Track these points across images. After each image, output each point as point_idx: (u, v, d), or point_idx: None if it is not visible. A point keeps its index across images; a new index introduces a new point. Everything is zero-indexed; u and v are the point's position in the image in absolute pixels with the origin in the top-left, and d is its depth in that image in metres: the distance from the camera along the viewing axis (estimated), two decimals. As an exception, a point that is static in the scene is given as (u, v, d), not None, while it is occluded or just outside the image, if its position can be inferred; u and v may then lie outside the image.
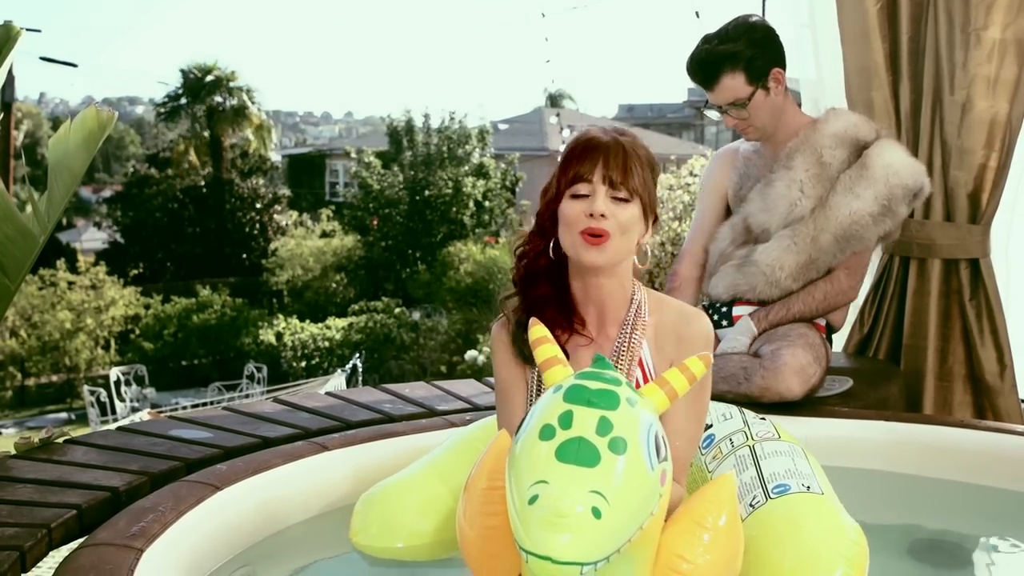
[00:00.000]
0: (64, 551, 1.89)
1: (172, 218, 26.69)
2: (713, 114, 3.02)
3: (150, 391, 18.83)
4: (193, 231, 26.76)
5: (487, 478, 1.58)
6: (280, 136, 43.81)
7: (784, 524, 1.84)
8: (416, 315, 20.37)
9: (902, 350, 3.30)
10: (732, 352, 2.78)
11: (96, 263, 23.06)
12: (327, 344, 19.96)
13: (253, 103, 28.68)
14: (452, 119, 24.41)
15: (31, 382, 21.63)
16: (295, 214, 27.81)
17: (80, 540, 1.91)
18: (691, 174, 8.77)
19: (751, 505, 1.91)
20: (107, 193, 33.91)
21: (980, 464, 2.47)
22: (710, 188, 3.16)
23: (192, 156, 27.80)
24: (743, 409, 2.32)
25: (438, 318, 20.00)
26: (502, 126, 29.43)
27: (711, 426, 2.23)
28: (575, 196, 1.85)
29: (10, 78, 13.74)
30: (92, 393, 17.27)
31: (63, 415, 19.57)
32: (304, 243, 24.70)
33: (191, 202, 26.92)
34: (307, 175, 32.73)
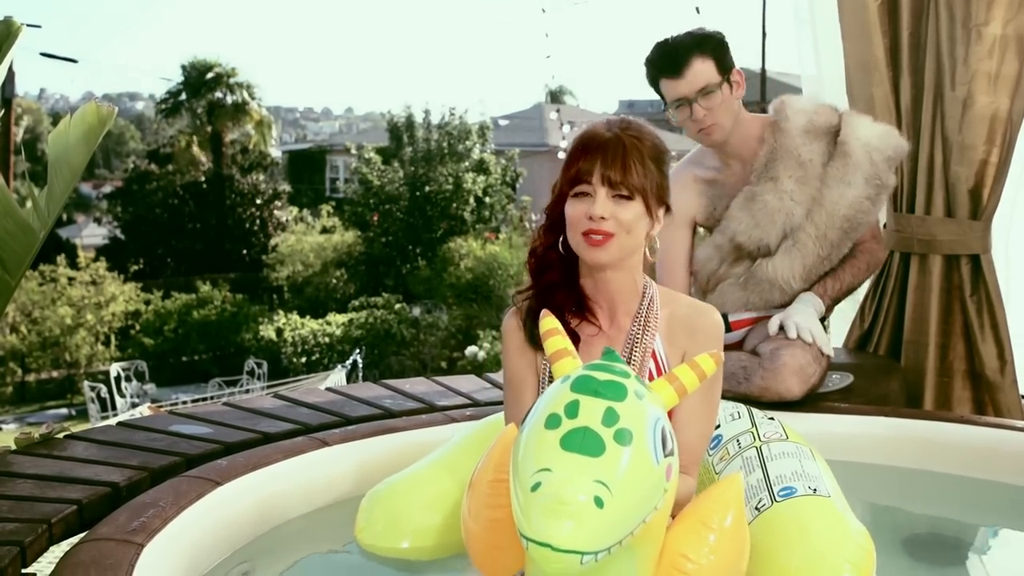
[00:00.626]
0: (64, 546, 1.89)
1: (172, 214, 26.69)
2: (674, 117, 2.84)
3: (150, 387, 18.83)
4: (193, 227, 26.76)
5: (493, 471, 1.58)
6: (280, 132, 43.81)
7: (790, 527, 1.83)
8: (416, 311, 20.36)
9: (903, 346, 3.30)
10: (732, 350, 2.77)
11: (96, 259, 23.05)
12: (327, 340, 19.96)
13: (253, 99, 28.66)
14: (452, 115, 24.38)
15: (31, 378, 21.63)
16: (295, 210, 27.79)
17: (80, 535, 1.92)
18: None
19: (757, 508, 1.90)
20: (107, 189, 33.94)
21: (980, 459, 2.47)
22: (676, 219, 2.73)
23: (194, 150, 27.80)
24: (752, 409, 2.31)
25: (438, 314, 20.00)
26: (502, 122, 29.36)
27: (719, 426, 2.22)
28: (577, 195, 1.85)
29: (10, 74, 13.73)
30: (92, 389, 17.27)
31: (63, 411, 19.55)
32: (304, 239, 24.69)
33: (191, 198, 26.91)
34: (307, 171, 32.71)
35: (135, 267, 23.74)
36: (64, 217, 28.11)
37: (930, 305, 3.24)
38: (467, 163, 23.84)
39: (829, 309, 2.92)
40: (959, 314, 3.24)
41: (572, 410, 1.41)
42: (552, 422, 1.41)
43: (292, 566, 2.09)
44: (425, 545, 2.03)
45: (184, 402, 15.77)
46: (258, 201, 27.11)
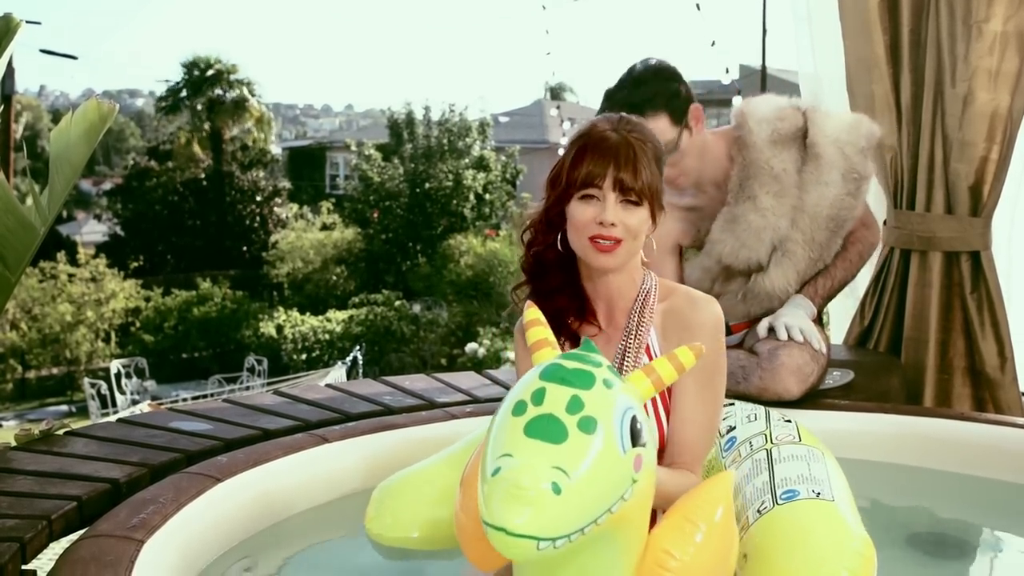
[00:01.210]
0: (64, 543, 1.89)
1: (172, 211, 26.69)
2: None
3: (150, 383, 18.84)
4: (193, 224, 26.76)
5: None
6: (280, 129, 43.80)
7: (789, 531, 1.79)
8: (416, 308, 20.38)
9: (903, 343, 3.30)
10: (733, 348, 2.76)
11: (96, 255, 23.07)
12: (327, 337, 19.97)
13: (253, 95, 28.67)
14: (452, 112, 24.39)
15: (31, 375, 21.65)
16: (295, 207, 27.81)
17: (81, 532, 1.92)
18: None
19: (759, 511, 1.87)
20: (107, 186, 33.92)
21: (980, 456, 2.47)
22: (660, 247, 2.50)
23: (194, 147, 27.79)
24: (771, 411, 2.29)
25: (438, 311, 20.02)
26: (502, 119, 29.39)
27: (734, 428, 2.21)
28: (584, 198, 1.84)
29: (10, 70, 13.72)
30: (92, 386, 17.30)
31: (63, 407, 19.58)
32: (304, 236, 24.70)
33: (191, 195, 26.92)
34: (307, 168, 32.70)
35: (135, 264, 23.76)
36: (64, 214, 28.09)
37: (930, 302, 3.24)
38: (467, 160, 23.85)
39: (822, 306, 2.91)
40: (959, 311, 3.24)
41: (538, 397, 1.41)
42: (519, 409, 1.41)
43: (292, 562, 2.09)
44: (434, 535, 2.03)
45: (184, 399, 15.77)
46: (258, 198, 27.11)
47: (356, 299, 21.23)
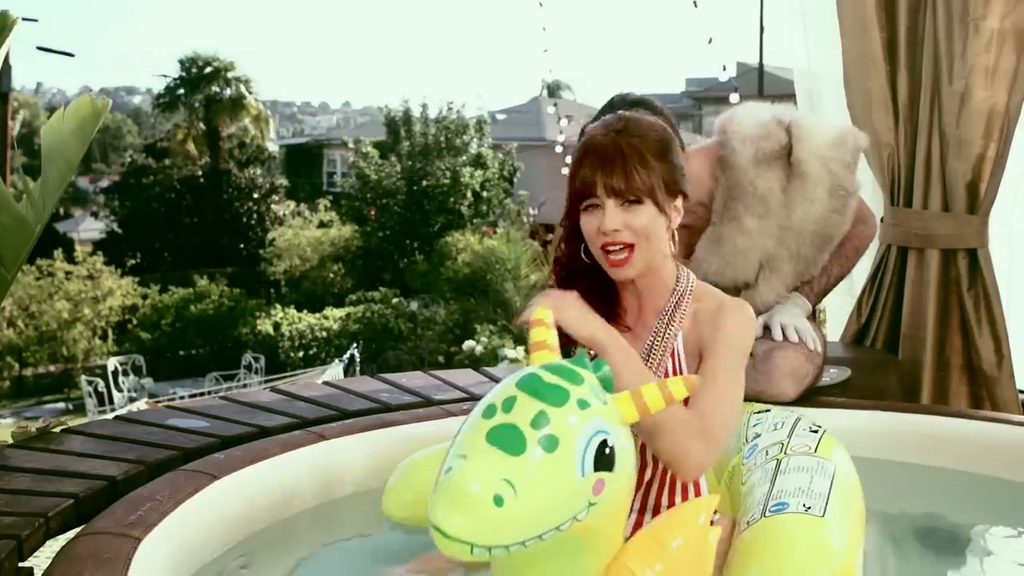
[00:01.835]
0: (62, 540, 1.89)
1: (169, 208, 26.67)
2: None
3: (148, 381, 18.84)
4: (190, 221, 26.74)
5: None
6: (277, 126, 43.75)
7: (770, 544, 1.75)
8: (414, 305, 20.37)
9: (900, 340, 3.30)
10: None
11: (93, 253, 23.07)
12: (325, 334, 19.97)
13: (250, 93, 28.65)
14: (450, 109, 24.37)
15: (28, 372, 21.63)
16: (293, 204, 27.78)
17: (78, 529, 1.91)
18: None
19: (747, 522, 1.84)
20: (104, 183, 33.93)
21: (977, 453, 2.48)
22: None
23: (191, 145, 27.78)
24: (800, 419, 2.22)
25: (436, 308, 19.99)
26: (500, 116, 29.34)
27: (759, 436, 2.18)
28: (588, 208, 1.84)
29: (6, 67, 13.70)
30: (90, 383, 17.28)
31: (60, 405, 19.57)
32: (302, 233, 24.69)
33: (188, 192, 26.89)
34: (305, 165, 32.68)
35: (132, 261, 23.77)
36: (61, 211, 28.08)
37: (927, 299, 3.24)
38: (464, 157, 23.83)
39: (818, 300, 2.90)
40: (956, 308, 3.24)
41: (508, 405, 1.42)
42: (488, 412, 1.43)
43: (290, 560, 2.09)
44: None
45: (181, 396, 15.77)
46: (255, 195, 27.09)
47: (353, 296, 21.23)
